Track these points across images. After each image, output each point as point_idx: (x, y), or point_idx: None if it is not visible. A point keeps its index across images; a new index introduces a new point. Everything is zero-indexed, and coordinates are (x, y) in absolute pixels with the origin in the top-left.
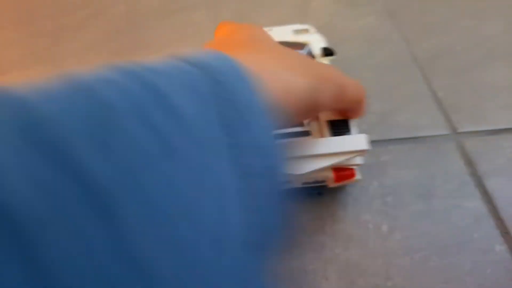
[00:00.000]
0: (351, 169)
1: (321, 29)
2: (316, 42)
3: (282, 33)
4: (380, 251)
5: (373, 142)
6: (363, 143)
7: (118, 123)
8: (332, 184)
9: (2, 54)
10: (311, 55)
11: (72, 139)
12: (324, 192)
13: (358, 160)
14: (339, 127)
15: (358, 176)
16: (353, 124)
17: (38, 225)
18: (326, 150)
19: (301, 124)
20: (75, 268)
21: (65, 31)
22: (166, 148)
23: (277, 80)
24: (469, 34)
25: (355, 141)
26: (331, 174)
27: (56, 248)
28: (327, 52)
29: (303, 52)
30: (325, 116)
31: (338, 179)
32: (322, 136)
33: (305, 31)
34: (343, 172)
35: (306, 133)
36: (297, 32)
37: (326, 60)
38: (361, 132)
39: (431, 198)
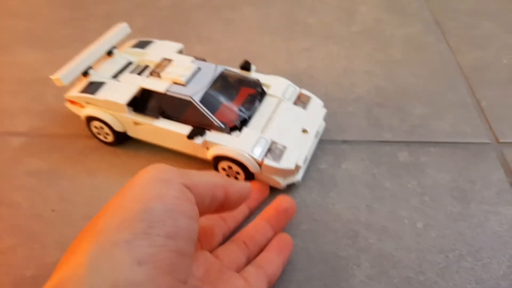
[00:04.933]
0: None
1: (367, 33)
2: None
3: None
4: (414, 246)
5: (413, 143)
6: None
7: None
8: None
9: (58, 31)
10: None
11: None
12: None
13: None
14: None
15: None
16: None
17: None
18: None
19: None
20: None
21: (117, 15)
22: None
23: None
24: None
25: None
26: None
27: None
28: (245, 66)
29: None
30: None
31: None
32: None
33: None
34: None
35: None
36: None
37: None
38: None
39: (468, 202)
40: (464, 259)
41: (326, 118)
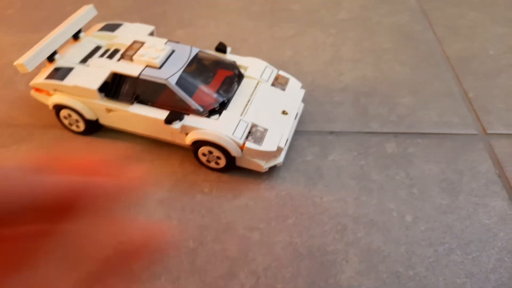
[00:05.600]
0: None
1: (354, 20)
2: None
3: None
4: (403, 239)
5: (401, 134)
6: None
7: None
8: None
9: (30, 13)
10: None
11: None
12: None
13: None
14: None
15: None
16: None
17: None
18: None
19: None
20: None
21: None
22: None
23: None
24: (502, 41)
25: None
26: None
27: None
28: (220, 48)
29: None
30: None
31: None
32: None
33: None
34: None
35: None
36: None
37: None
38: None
39: (457, 194)
40: (454, 252)
41: (313, 108)
